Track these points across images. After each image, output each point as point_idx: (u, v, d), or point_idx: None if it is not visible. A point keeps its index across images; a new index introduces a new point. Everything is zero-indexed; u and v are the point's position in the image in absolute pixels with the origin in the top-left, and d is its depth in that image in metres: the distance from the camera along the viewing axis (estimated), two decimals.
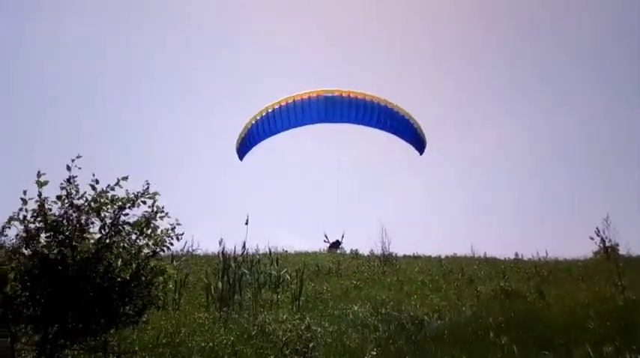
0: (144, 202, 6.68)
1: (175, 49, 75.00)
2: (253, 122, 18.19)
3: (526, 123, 71.90)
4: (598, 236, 11.65)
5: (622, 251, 22.06)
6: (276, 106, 17.97)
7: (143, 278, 6.55)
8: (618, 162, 67.58)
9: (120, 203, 6.53)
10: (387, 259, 19.92)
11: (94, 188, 6.48)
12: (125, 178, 6.63)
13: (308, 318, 9.05)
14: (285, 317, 9.24)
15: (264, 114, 18.03)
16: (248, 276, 12.06)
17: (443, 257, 22.35)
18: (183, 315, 9.57)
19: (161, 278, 6.77)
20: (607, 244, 11.80)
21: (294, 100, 17.88)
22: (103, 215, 6.45)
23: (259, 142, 18.98)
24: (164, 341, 7.73)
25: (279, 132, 18.62)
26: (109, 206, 6.47)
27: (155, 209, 6.73)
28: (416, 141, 19.55)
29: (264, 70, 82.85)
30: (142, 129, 76.12)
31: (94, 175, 6.50)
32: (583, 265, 18.33)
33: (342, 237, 25.26)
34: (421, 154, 19.97)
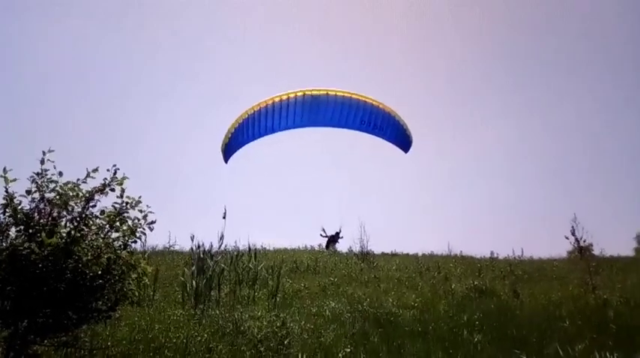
0: (112, 190, 6.55)
1: (154, 45, 74.07)
2: (236, 126, 17.63)
3: (503, 125, 72.80)
4: (573, 236, 11.87)
5: (596, 251, 22.61)
6: (257, 109, 17.31)
7: (115, 272, 6.43)
8: (598, 164, 68.88)
9: (88, 194, 6.41)
10: (365, 257, 20.01)
11: (52, 181, 6.35)
12: (95, 170, 6.51)
13: (284, 315, 9.02)
14: (260, 313, 9.19)
15: (245, 117, 17.43)
16: (225, 273, 11.96)
17: (420, 255, 22.53)
18: (158, 312, 9.46)
19: (135, 272, 6.65)
20: (581, 244, 12.02)
21: (273, 102, 17.20)
22: (70, 208, 6.32)
23: (242, 147, 18.44)
24: (137, 337, 7.62)
25: (262, 136, 18.00)
26: (76, 199, 6.34)
27: (126, 200, 6.60)
28: (402, 140, 19.11)
29: (245, 68, 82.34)
30: (119, 126, 74.99)
31: (55, 168, 6.38)
32: (557, 264, 18.64)
33: (340, 230, 24.78)
34: (406, 153, 19.64)
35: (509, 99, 76.36)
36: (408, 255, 22.69)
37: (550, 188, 69.14)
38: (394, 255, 22.95)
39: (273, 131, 17.76)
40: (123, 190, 6.61)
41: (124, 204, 6.61)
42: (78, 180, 6.45)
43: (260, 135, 17.88)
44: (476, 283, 12.70)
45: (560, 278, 14.55)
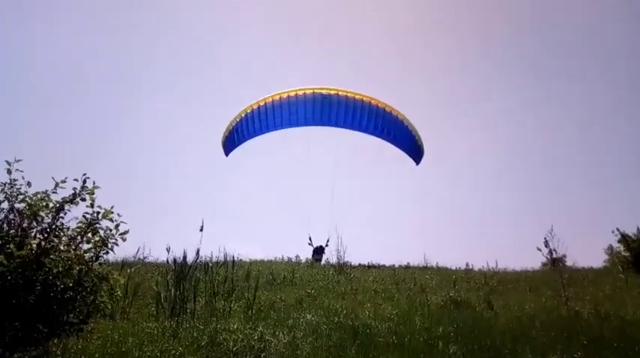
0: (83, 199, 6.46)
1: (128, 48, 73.48)
2: (238, 119, 17.11)
3: (479, 136, 73.88)
4: (546, 247, 12.05)
5: (569, 262, 23.01)
6: (262, 104, 16.79)
7: (86, 285, 6.33)
8: (571, 175, 70.26)
9: (58, 204, 6.31)
10: (341, 268, 20.00)
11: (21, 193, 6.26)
12: (64, 181, 6.42)
13: (260, 327, 8.96)
14: (236, 326, 9.11)
15: (248, 111, 16.94)
16: (201, 285, 11.84)
17: (397, 266, 22.63)
18: (132, 324, 9.31)
19: (107, 284, 6.56)
20: (554, 256, 12.20)
21: (280, 98, 16.62)
22: (40, 218, 6.22)
23: (245, 141, 17.85)
24: (110, 350, 7.48)
25: (266, 132, 17.48)
26: (46, 209, 6.25)
27: (97, 209, 6.52)
28: (413, 150, 18.70)
29: (225, 70, 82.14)
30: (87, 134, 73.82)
31: (23, 178, 6.29)
32: (531, 276, 18.92)
33: (327, 242, 23.57)
34: (417, 164, 19.19)
35: (481, 109, 77.61)
36: (384, 266, 22.76)
37: (524, 200, 70.25)
38: (371, 266, 23.01)
39: (279, 127, 17.25)
40: (93, 200, 6.52)
41: (95, 214, 6.51)
42: (47, 191, 6.35)
43: (265, 130, 17.36)
44: (451, 294, 12.81)
45: (533, 290, 14.76)
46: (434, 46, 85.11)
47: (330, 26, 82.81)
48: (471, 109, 77.82)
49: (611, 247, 23.88)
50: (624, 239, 22.31)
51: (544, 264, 23.33)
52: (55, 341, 6.81)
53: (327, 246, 23.58)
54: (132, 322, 9.58)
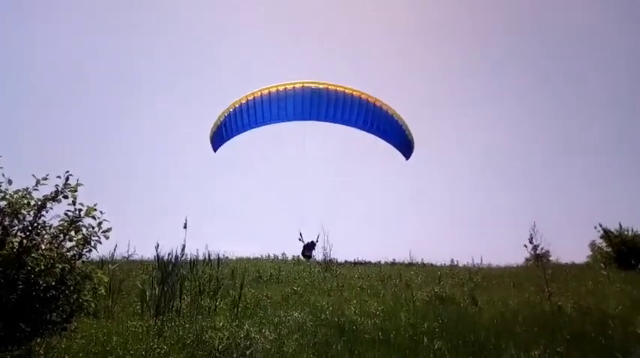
0: (66, 197, 6.39)
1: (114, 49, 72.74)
2: (226, 114, 16.86)
3: (470, 132, 74.37)
4: (531, 243, 12.20)
5: (552, 258, 23.32)
6: (250, 98, 16.54)
7: (69, 283, 6.26)
8: (555, 172, 70.99)
9: (39, 202, 6.24)
10: (328, 265, 20.05)
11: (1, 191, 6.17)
12: (45, 178, 6.35)
13: (246, 325, 8.94)
14: (222, 324, 9.09)
15: (237, 105, 16.68)
16: (187, 283, 11.78)
17: (382, 263, 22.74)
18: (116, 323, 9.24)
19: (90, 282, 6.49)
20: (538, 251, 12.36)
21: (269, 92, 16.36)
22: (22, 216, 6.14)
23: (234, 136, 17.55)
24: (94, 350, 7.42)
25: (254, 127, 17.14)
26: (27, 207, 6.17)
27: (79, 207, 6.45)
28: (403, 145, 18.52)
29: (207, 69, 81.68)
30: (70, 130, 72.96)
31: (3, 175, 6.20)
32: (515, 272, 19.13)
33: (317, 238, 22.86)
34: (407, 159, 19.02)
35: (469, 108, 78.09)
36: (370, 263, 22.87)
37: (509, 197, 70.82)
38: (357, 263, 23.10)
39: (267, 121, 16.99)
40: (75, 197, 6.45)
41: (78, 212, 6.45)
42: (28, 188, 6.27)
43: (254, 125, 17.09)
44: (436, 290, 12.90)
45: (517, 286, 14.93)
46: (434, 46, 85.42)
47: (330, 26, 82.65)
48: (461, 109, 78.26)
49: (593, 243, 24.22)
50: (606, 235, 22.67)
51: (528, 260, 23.65)
52: (38, 340, 6.73)
53: (317, 241, 23.05)
54: (116, 321, 9.51)
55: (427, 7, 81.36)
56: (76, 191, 6.46)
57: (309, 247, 23.00)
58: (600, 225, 23.03)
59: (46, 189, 6.39)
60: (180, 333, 8.51)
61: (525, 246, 12.24)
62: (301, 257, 23.43)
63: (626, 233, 22.22)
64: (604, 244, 23.08)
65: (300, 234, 22.62)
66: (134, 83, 74.78)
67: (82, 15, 66.26)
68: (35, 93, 65.08)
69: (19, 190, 6.27)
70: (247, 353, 7.49)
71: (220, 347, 7.66)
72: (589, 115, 75.29)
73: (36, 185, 6.31)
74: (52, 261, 6.14)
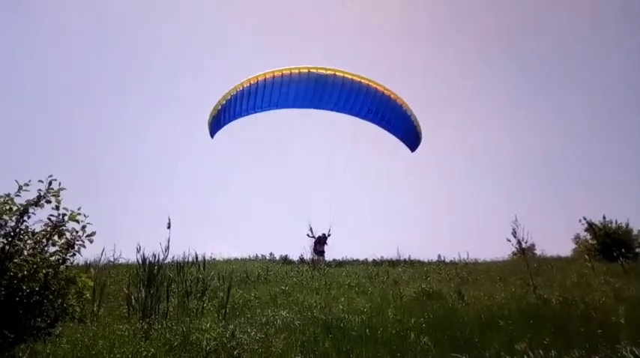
0: (48, 201, 6.32)
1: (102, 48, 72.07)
2: (228, 97, 16.06)
3: (456, 129, 74.79)
4: (515, 237, 12.32)
5: (538, 251, 23.56)
6: (254, 81, 15.73)
7: (53, 288, 6.20)
8: (540, 167, 71.69)
9: (22, 207, 6.17)
10: (315, 264, 20.06)
11: None
12: (27, 184, 6.28)
13: (233, 326, 8.93)
14: (209, 325, 9.06)
15: (239, 89, 15.91)
16: (173, 285, 11.69)
17: (370, 260, 22.81)
18: (102, 327, 9.16)
19: (74, 286, 6.43)
20: (523, 245, 12.47)
21: (273, 76, 15.57)
22: (3, 222, 6.06)
23: (233, 120, 16.82)
24: (80, 354, 7.36)
25: (252, 113, 16.45)
26: (9, 213, 6.10)
27: (63, 211, 6.38)
28: (410, 138, 17.79)
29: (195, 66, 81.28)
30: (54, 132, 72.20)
31: None
32: (501, 266, 19.31)
33: (330, 231, 21.30)
34: (413, 152, 18.24)
35: (457, 106, 78.60)
36: (358, 261, 22.93)
37: (495, 192, 71.45)
38: (345, 261, 23.15)
39: (270, 107, 16.31)
40: (59, 202, 6.38)
41: (61, 216, 6.38)
42: (9, 194, 6.20)
43: (255, 110, 16.36)
44: (423, 286, 12.97)
45: (503, 280, 15.05)
46: (433, 45, 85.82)
47: (330, 26, 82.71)
48: (442, 107, 78.70)
49: (578, 236, 24.50)
50: (591, 228, 22.96)
51: (514, 254, 23.85)
52: (22, 346, 6.66)
53: (329, 235, 21.42)
54: (102, 324, 9.43)
55: (427, 6, 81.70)
56: (59, 195, 6.39)
57: (320, 241, 21.51)
58: (585, 218, 23.33)
59: (28, 194, 6.31)
60: (167, 335, 8.46)
61: (508, 239, 12.38)
62: (312, 255, 21.85)
63: (610, 225, 22.53)
64: (588, 237, 23.37)
65: (310, 229, 21.30)
66: (117, 84, 74.22)
67: (83, 14, 65.61)
68: (18, 97, 64.33)
69: (0, 196, 6.20)
70: (234, 353, 7.48)
71: (208, 348, 7.64)
72: (573, 110, 76.14)
73: (18, 191, 6.23)
74: (35, 266, 6.07)
